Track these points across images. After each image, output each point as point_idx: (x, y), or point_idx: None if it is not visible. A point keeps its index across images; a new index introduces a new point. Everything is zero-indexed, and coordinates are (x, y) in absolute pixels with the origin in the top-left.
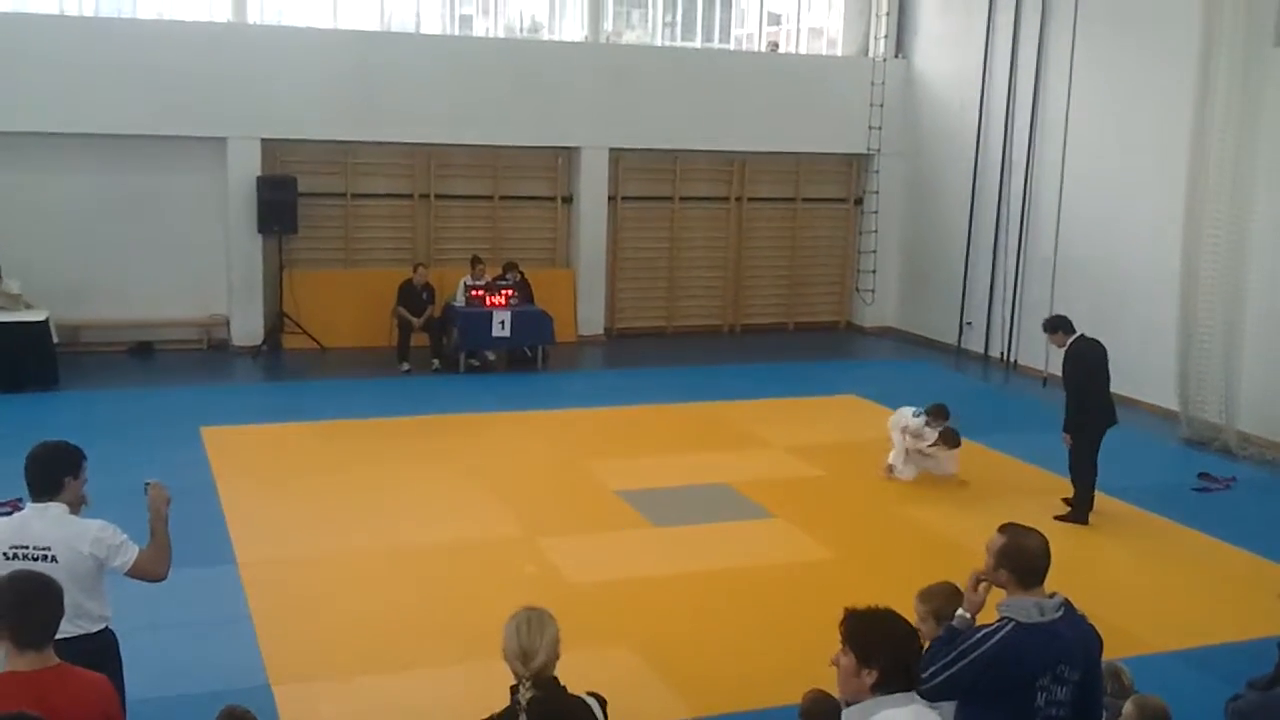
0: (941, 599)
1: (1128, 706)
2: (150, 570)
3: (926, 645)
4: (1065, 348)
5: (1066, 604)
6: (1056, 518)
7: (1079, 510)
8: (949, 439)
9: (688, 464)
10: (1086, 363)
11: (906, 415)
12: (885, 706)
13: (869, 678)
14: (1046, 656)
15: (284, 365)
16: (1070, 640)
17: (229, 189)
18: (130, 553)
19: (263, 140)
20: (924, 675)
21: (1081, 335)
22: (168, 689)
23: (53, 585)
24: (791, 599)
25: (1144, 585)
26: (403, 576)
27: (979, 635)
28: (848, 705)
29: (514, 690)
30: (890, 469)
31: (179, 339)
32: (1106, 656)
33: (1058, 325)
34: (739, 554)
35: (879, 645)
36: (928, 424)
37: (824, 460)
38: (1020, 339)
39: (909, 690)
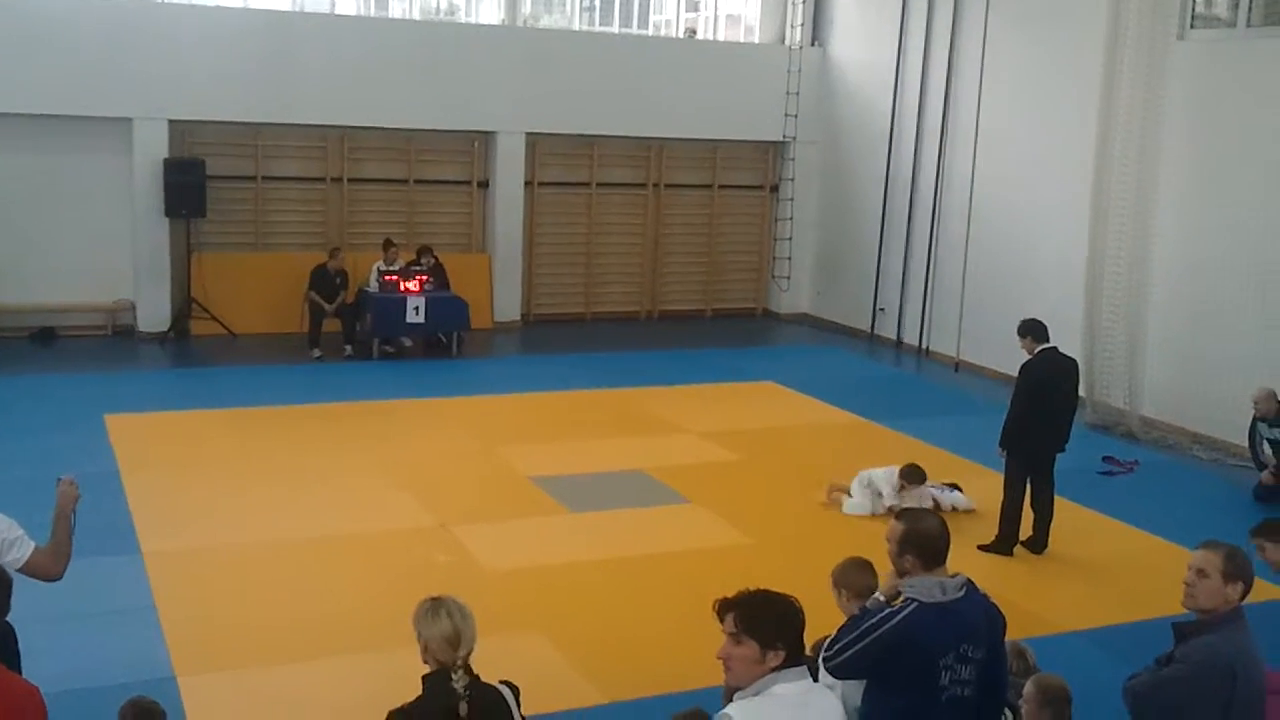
0: (847, 572)
1: (1028, 685)
2: (45, 569)
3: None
4: (1029, 358)
5: (969, 583)
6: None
7: (1001, 540)
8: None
9: (604, 450)
10: (1034, 380)
11: (880, 480)
12: (778, 681)
13: (775, 660)
14: (949, 635)
15: (192, 351)
16: (973, 619)
17: (135, 171)
18: (25, 549)
19: (170, 121)
20: (829, 654)
21: (1051, 349)
22: (70, 682)
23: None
24: (707, 584)
25: (1048, 566)
26: (312, 565)
27: (882, 615)
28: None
29: (434, 678)
30: (836, 500)
31: (83, 324)
32: (1011, 636)
33: (1027, 331)
34: (655, 540)
35: (779, 627)
36: (903, 488)
37: (740, 446)
38: (932, 325)
39: (801, 666)
